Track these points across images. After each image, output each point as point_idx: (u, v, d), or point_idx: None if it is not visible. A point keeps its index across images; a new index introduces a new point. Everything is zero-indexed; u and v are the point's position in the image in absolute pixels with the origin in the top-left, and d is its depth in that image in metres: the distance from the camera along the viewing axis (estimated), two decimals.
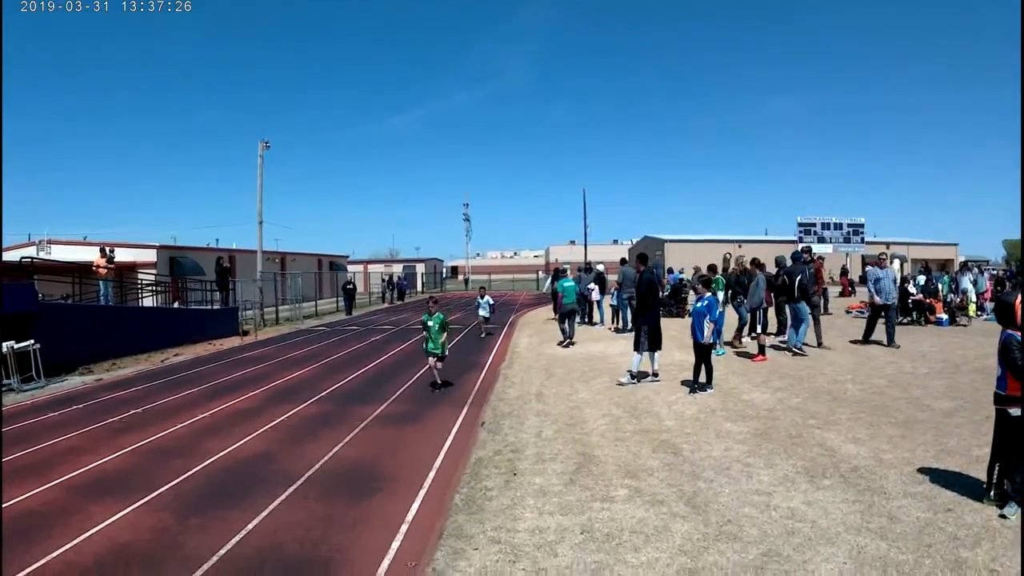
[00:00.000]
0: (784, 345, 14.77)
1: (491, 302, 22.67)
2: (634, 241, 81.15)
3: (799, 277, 14.27)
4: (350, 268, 59.67)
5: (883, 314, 14.98)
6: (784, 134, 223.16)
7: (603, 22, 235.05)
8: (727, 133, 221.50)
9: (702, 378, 10.73)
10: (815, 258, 16.53)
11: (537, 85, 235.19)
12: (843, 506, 5.61)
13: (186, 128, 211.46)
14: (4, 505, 6.93)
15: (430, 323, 12.20)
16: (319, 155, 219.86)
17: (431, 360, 12.31)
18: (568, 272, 21.73)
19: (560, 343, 18.13)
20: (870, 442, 7.50)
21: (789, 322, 14.66)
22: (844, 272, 36.21)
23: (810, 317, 14.51)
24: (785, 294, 14.65)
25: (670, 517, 5.60)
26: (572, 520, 5.65)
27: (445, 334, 12.53)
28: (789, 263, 14.80)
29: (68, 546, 5.81)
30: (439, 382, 12.32)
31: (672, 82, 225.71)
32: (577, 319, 22.05)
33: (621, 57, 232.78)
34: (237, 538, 5.74)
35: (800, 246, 17.93)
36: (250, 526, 6.00)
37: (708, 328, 10.55)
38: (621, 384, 11.41)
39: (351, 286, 37.96)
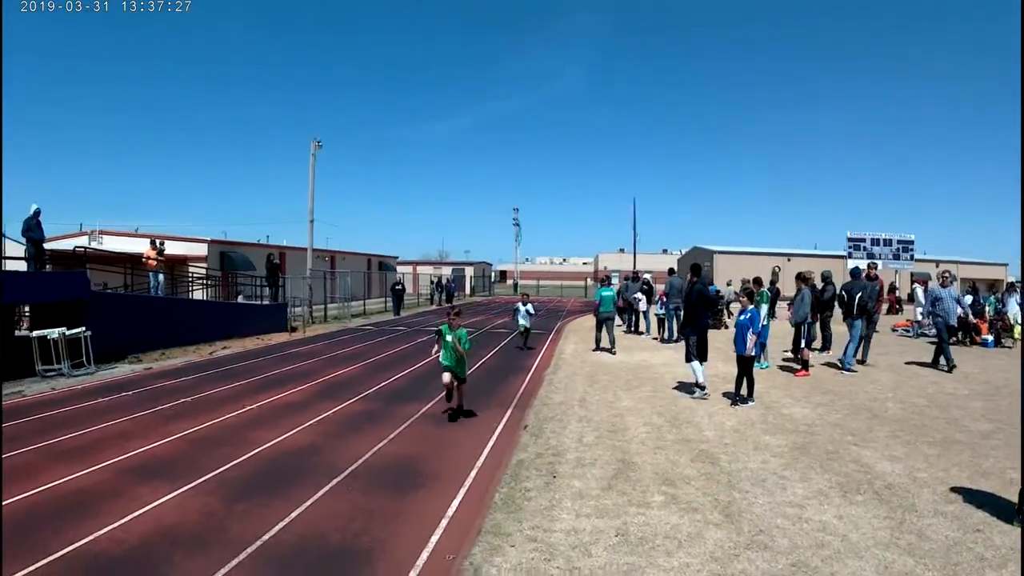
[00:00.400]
0: (828, 361, 14.73)
1: (531, 311, 19.63)
2: (683, 251, 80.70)
3: (859, 294, 14.15)
4: (399, 269, 60.15)
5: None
6: (834, 148, 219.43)
7: (651, 29, 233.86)
8: (777, 144, 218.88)
9: (743, 391, 10.84)
10: (877, 275, 16.30)
11: (587, 91, 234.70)
12: (874, 521, 5.71)
13: (236, 125, 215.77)
14: (55, 483, 7.34)
15: (448, 338, 10.10)
16: (370, 155, 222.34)
17: (446, 377, 10.06)
18: (612, 281, 21.80)
19: (594, 349, 18.50)
20: (906, 460, 7.56)
21: (847, 338, 14.48)
22: (892, 289, 35.68)
23: (860, 335, 14.37)
24: (842, 310, 14.53)
25: (704, 525, 5.74)
26: (608, 523, 5.82)
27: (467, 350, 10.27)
28: (849, 279, 14.72)
29: (116, 524, 6.10)
30: (456, 407, 10.47)
31: (721, 91, 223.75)
32: (623, 327, 22.29)
33: (669, 64, 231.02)
34: (280, 525, 5.99)
35: (866, 263, 17.74)
36: (293, 514, 6.26)
37: (751, 340, 10.65)
38: (695, 397, 11.39)
39: (400, 287, 38.36)
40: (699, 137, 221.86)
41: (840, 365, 14.02)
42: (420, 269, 70.88)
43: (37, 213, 17.11)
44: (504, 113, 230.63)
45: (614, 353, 17.72)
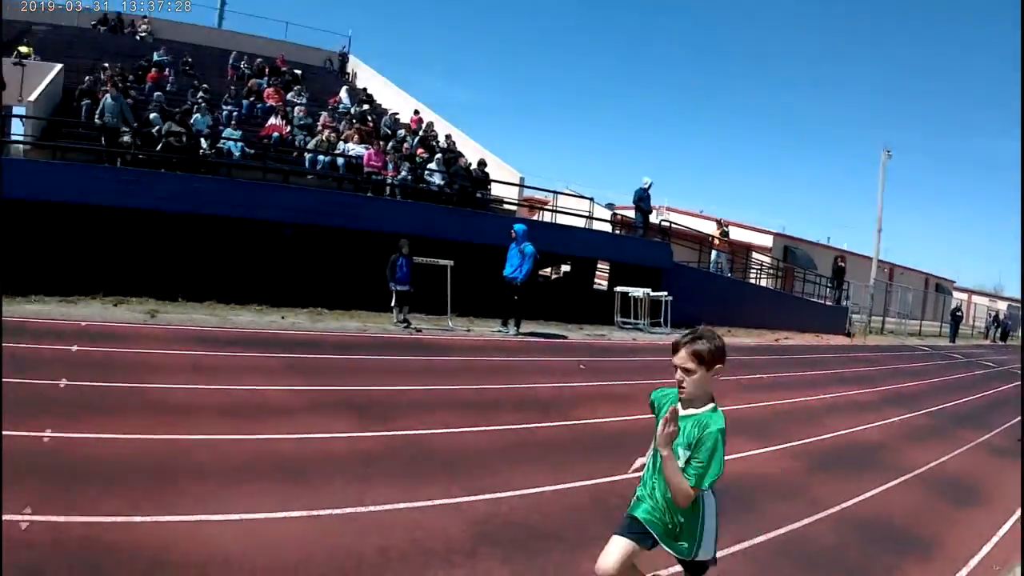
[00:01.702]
0: None
1: None
2: None
3: None
4: (955, 295, 56.30)
5: None
6: None
7: None
8: None
9: None
10: None
11: None
12: None
13: (807, 124, 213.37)
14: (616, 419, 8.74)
15: (665, 433, 2.94)
16: (936, 165, 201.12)
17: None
18: None
19: None
20: None
21: None
22: None
23: None
24: None
25: None
26: None
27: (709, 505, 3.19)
28: None
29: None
30: None
31: None
32: None
33: None
34: (855, 500, 6.84)
35: None
36: (867, 495, 7.06)
37: None
38: None
39: (960, 314, 36.65)
40: None
41: None
42: (976, 299, 64.77)
43: (649, 186, 19.69)
44: None
45: None
